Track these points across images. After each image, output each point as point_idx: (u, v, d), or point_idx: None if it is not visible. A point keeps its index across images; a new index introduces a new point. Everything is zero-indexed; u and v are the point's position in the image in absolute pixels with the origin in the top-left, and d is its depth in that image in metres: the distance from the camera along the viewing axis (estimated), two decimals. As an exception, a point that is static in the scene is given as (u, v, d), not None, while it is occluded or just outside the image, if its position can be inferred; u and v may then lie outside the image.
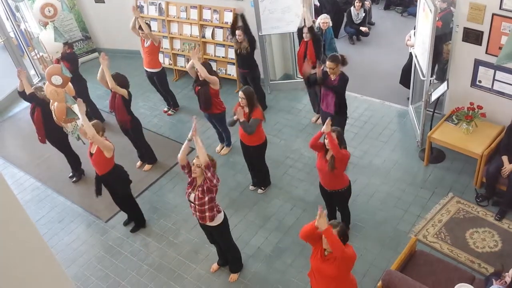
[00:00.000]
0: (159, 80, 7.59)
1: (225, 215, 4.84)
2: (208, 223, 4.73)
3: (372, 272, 5.13)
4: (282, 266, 5.34)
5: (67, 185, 6.88)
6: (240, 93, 5.62)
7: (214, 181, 4.50)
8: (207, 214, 4.64)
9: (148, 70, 7.53)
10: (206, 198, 4.55)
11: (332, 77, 5.76)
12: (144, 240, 5.91)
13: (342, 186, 5.07)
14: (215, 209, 4.69)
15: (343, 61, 5.74)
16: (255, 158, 6.02)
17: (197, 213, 4.67)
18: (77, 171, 6.93)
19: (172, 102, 7.97)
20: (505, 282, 4.09)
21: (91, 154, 5.44)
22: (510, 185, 5.35)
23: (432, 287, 4.29)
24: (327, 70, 5.74)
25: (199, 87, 6.31)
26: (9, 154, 7.67)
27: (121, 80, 6.21)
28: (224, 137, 6.96)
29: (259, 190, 6.31)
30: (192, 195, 4.60)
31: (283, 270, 5.31)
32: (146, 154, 6.93)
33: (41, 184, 6.97)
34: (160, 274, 5.47)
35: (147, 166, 6.95)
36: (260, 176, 6.24)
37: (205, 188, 4.52)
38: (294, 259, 5.38)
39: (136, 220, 6.05)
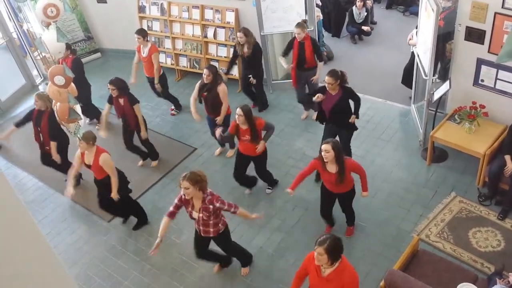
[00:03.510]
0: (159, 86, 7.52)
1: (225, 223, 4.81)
2: (211, 235, 4.72)
3: (374, 271, 5.12)
4: (285, 266, 5.34)
5: (69, 185, 6.88)
6: (238, 110, 5.37)
7: (232, 209, 4.58)
8: (211, 229, 4.64)
9: (149, 76, 7.48)
10: (211, 221, 4.56)
11: (332, 93, 5.59)
12: (147, 239, 5.91)
13: (348, 189, 5.06)
14: (219, 224, 4.67)
15: (342, 77, 5.54)
16: (259, 166, 5.94)
17: (201, 227, 4.65)
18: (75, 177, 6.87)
19: (174, 105, 7.96)
20: (508, 281, 4.08)
21: (87, 165, 5.41)
22: (513, 184, 5.34)
23: (435, 287, 4.27)
24: (326, 85, 5.57)
25: (205, 93, 6.30)
26: (11, 155, 7.68)
27: (121, 85, 6.20)
28: None
29: (267, 190, 6.28)
30: (195, 214, 4.54)
31: (285, 269, 5.30)
32: (150, 154, 6.93)
33: (44, 184, 6.98)
34: (163, 274, 5.48)
35: (153, 163, 6.97)
36: (266, 179, 6.17)
37: (211, 210, 4.47)
38: (297, 258, 5.36)
39: (139, 217, 6.05)
